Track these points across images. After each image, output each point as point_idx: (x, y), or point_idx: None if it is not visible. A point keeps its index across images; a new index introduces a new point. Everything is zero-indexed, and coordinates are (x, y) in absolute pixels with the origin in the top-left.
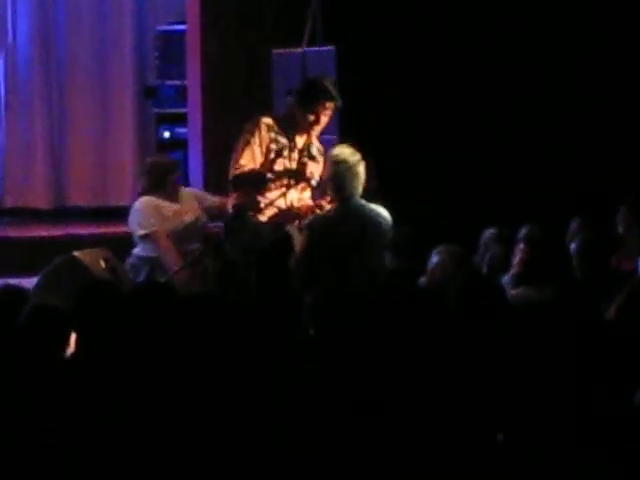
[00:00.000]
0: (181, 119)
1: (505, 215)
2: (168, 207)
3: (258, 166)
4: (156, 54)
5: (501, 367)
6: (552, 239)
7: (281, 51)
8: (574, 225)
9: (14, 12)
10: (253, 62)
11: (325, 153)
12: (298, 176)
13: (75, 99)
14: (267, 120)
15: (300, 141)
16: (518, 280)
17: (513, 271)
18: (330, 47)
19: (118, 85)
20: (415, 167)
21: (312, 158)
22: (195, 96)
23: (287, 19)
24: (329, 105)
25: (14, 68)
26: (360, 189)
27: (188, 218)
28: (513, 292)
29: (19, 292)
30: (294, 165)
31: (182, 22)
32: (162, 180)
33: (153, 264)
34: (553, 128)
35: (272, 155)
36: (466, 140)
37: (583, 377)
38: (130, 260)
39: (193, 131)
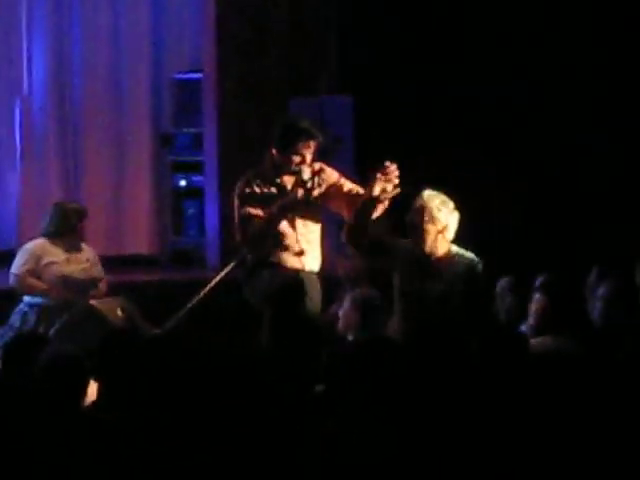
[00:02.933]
0: (197, 167)
1: (521, 264)
2: (60, 254)
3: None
4: (172, 102)
5: (522, 416)
6: (570, 288)
7: (298, 99)
8: (594, 274)
9: (29, 60)
10: (269, 110)
11: (324, 171)
12: (309, 205)
13: (91, 147)
14: (248, 180)
15: (289, 183)
16: (536, 330)
17: (530, 321)
18: (348, 96)
19: (134, 133)
20: None
21: (305, 183)
22: (211, 144)
23: (304, 68)
24: (312, 143)
25: (29, 116)
26: None
27: (79, 268)
28: (532, 341)
29: (38, 338)
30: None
31: (198, 70)
32: (67, 225)
33: (41, 311)
34: (570, 183)
35: (265, 206)
36: (485, 190)
37: (605, 425)
38: (20, 306)
39: (209, 179)
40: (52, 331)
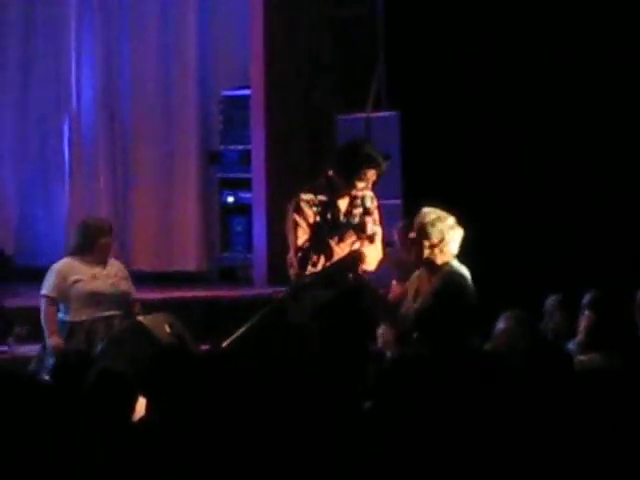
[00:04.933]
0: (245, 184)
1: (568, 281)
2: (85, 270)
3: (311, 241)
4: (220, 119)
5: (569, 433)
6: (618, 305)
7: (345, 116)
8: None
9: (78, 78)
10: (317, 127)
11: (373, 201)
12: (359, 231)
13: (139, 164)
14: (306, 196)
15: (343, 205)
16: (584, 347)
17: (579, 338)
18: (394, 112)
19: (182, 150)
20: (482, 232)
21: (368, 212)
22: (259, 161)
23: (352, 84)
24: (375, 172)
25: (78, 134)
26: None
27: (108, 284)
28: (581, 358)
29: (86, 356)
30: (342, 227)
31: (246, 87)
32: (92, 242)
33: (70, 328)
34: (620, 200)
35: (320, 227)
36: (530, 202)
37: None
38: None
39: (257, 196)
40: (100, 348)
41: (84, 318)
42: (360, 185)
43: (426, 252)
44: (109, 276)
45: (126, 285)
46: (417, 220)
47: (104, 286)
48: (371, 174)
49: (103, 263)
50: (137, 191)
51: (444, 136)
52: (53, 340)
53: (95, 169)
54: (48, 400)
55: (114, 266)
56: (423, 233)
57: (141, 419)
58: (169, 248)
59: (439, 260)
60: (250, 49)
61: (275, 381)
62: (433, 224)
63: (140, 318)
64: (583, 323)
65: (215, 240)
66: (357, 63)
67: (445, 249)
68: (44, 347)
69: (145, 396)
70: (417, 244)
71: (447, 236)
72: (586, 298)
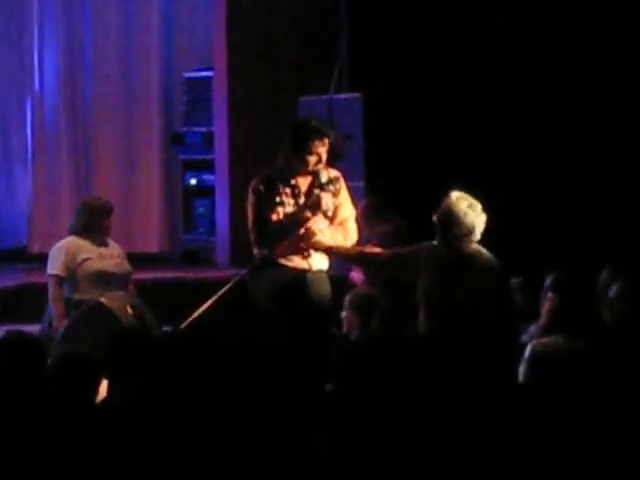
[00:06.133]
0: (208, 166)
1: (529, 263)
2: (93, 249)
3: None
4: (183, 100)
5: (532, 415)
6: (581, 286)
7: (308, 98)
8: (606, 273)
9: (40, 59)
10: (280, 109)
11: (339, 181)
12: (314, 208)
13: (101, 145)
14: (263, 179)
15: (304, 185)
16: (547, 329)
17: (542, 321)
18: (357, 94)
19: (145, 132)
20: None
21: (322, 187)
22: (222, 143)
23: (314, 66)
24: (325, 141)
25: (41, 114)
26: None
27: (112, 263)
28: (545, 340)
29: (28, 339)
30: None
31: (209, 68)
32: (95, 223)
33: (76, 306)
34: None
35: (279, 208)
36: (492, 184)
37: (614, 424)
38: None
39: (220, 178)
40: (62, 329)
41: (91, 297)
42: (311, 159)
43: (455, 241)
44: (113, 256)
45: (128, 265)
46: (447, 207)
47: (111, 265)
48: (320, 146)
49: (105, 243)
50: (99, 173)
51: (406, 118)
52: (62, 323)
53: (58, 151)
54: (10, 383)
55: (114, 246)
56: (456, 220)
57: (103, 400)
58: (132, 229)
59: (467, 249)
60: (213, 31)
61: (235, 362)
62: (466, 213)
63: (102, 299)
64: (546, 305)
65: (178, 222)
66: (320, 45)
67: (472, 238)
68: (50, 326)
69: (106, 377)
70: (444, 231)
71: (476, 225)
72: (548, 280)
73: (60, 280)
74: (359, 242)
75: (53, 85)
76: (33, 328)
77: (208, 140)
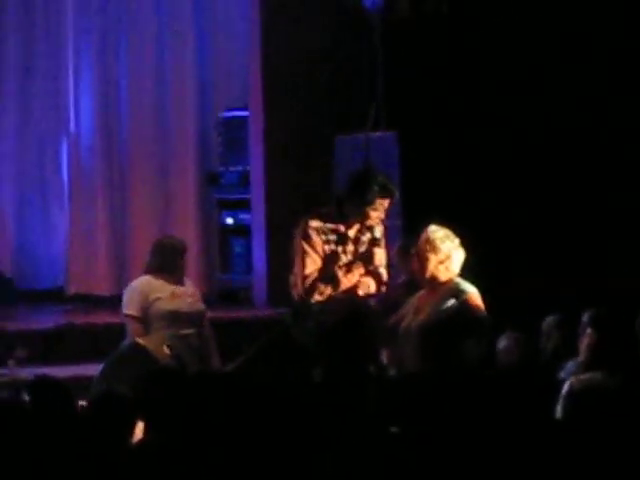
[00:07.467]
0: (244, 205)
1: (566, 302)
2: (166, 288)
3: (319, 271)
4: (219, 140)
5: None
6: (620, 322)
7: (344, 136)
8: None
9: (76, 101)
10: (316, 147)
11: (387, 238)
12: (367, 263)
13: (137, 186)
14: (314, 223)
15: (352, 232)
16: (586, 366)
17: (580, 357)
18: (392, 132)
19: (180, 171)
20: (482, 253)
21: (376, 242)
22: (258, 182)
23: (350, 104)
24: (388, 202)
25: (77, 157)
26: None
27: (186, 302)
28: (582, 377)
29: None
30: (349, 256)
31: (245, 108)
32: (169, 261)
33: None
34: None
35: (328, 257)
36: (532, 224)
37: None
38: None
39: (256, 217)
40: (100, 369)
41: (148, 338)
42: (373, 215)
43: (431, 267)
44: (187, 295)
45: (201, 304)
46: (425, 236)
47: (183, 304)
48: (385, 204)
49: (180, 282)
50: (135, 214)
51: (442, 155)
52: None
53: (94, 192)
54: (48, 423)
55: (189, 285)
56: (432, 248)
57: (139, 441)
58: None
59: (443, 277)
60: (249, 70)
61: (275, 404)
62: (442, 240)
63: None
64: (585, 341)
65: (214, 261)
66: (357, 84)
67: (450, 267)
68: None
69: (142, 418)
70: (423, 259)
71: (453, 254)
72: (586, 316)
73: (137, 320)
74: (392, 280)
75: (89, 127)
76: (72, 369)
77: (244, 179)
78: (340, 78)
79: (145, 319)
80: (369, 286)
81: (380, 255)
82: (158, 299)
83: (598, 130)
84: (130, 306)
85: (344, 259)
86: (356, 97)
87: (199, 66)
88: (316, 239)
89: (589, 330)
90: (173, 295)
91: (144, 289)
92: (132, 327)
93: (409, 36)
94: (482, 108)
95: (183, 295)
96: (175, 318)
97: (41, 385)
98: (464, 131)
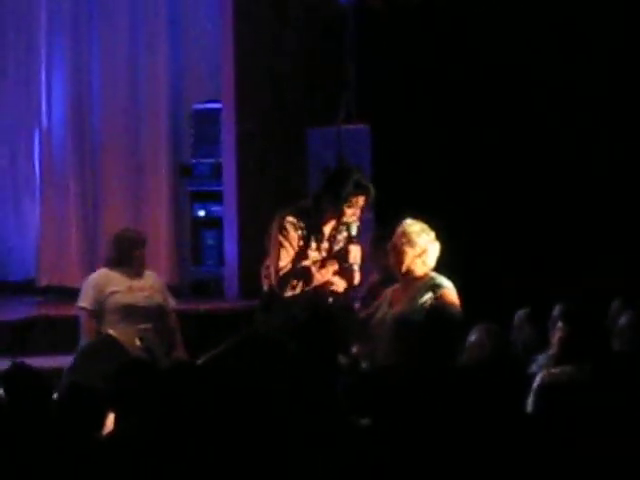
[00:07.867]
0: (216, 197)
1: (536, 296)
2: (123, 281)
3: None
4: (191, 132)
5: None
6: (591, 316)
7: (316, 129)
8: (616, 305)
9: (48, 93)
10: (288, 140)
11: (361, 233)
12: (342, 259)
13: (109, 178)
14: (291, 219)
15: (327, 229)
16: (557, 359)
17: (551, 351)
18: (365, 125)
19: (152, 164)
20: (453, 247)
21: (352, 240)
22: (230, 174)
23: (322, 97)
24: (364, 199)
25: (49, 149)
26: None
27: (143, 296)
28: (553, 371)
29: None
30: (324, 253)
31: (217, 100)
32: (127, 254)
33: None
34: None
35: (303, 251)
36: (505, 218)
37: (630, 457)
38: None
39: (228, 209)
40: (70, 361)
41: (118, 331)
42: (349, 212)
43: (408, 261)
44: (144, 288)
45: (160, 297)
46: (401, 230)
47: (140, 298)
48: (361, 201)
49: (139, 275)
50: (107, 206)
51: (415, 148)
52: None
53: (66, 185)
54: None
55: (150, 278)
56: (408, 242)
57: (110, 433)
58: None
59: (420, 271)
60: (220, 63)
61: (246, 396)
62: (419, 234)
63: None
64: (556, 335)
65: (186, 253)
66: (328, 76)
67: (427, 261)
68: None
69: (113, 410)
70: (400, 253)
71: (429, 248)
72: (557, 310)
73: (90, 313)
74: (365, 273)
75: (61, 119)
76: (44, 361)
77: (216, 172)
78: (312, 70)
79: (99, 312)
80: (340, 285)
81: (355, 252)
82: (114, 292)
83: (562, 117)
84: (85, 299)
85: (318, 255)
86: (328, 90)
87: (171, 59)
88: (293, 234)
89: (560, 324)
90: (130, 289)
91: (100, 282)
92: (84, 320)
93: (381, 28)
94: (454, 100)
95: (140, 289)
96: (130, 312)
97: (17, 374)
98: (436, 123)
